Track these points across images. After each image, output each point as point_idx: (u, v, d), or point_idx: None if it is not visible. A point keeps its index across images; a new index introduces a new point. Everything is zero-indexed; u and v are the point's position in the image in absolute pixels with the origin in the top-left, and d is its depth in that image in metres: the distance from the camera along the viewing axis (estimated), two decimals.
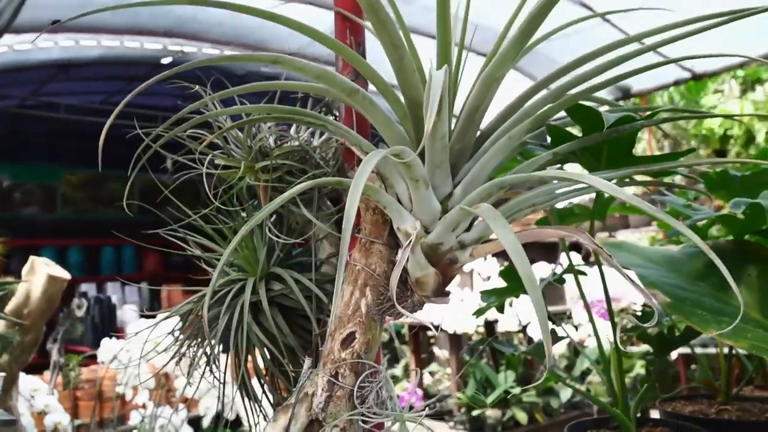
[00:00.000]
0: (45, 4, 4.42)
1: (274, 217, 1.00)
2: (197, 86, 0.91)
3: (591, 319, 1.21)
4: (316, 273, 0.95)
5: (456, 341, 3.37)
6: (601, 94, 0.87)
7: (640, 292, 0.73)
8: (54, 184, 8.34)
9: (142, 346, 1.03)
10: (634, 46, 0.74)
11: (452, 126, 0.81)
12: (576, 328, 3.14)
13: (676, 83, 7.02)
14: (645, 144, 6.64)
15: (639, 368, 3.21)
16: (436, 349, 4.33)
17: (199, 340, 1.00)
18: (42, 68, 5.97)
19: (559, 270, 1.29)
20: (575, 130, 0.85)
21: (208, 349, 0.97)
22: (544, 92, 0.78)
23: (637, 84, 6.42)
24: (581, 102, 0.77)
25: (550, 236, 0.76)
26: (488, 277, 3.31)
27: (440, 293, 0.84)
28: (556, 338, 1.07)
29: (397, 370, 4.09)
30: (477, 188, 0.76)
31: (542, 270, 3.30)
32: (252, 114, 0.86)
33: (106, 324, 6.34)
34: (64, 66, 5.81)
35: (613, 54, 0.77)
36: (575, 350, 3.04)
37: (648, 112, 0.80)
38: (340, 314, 0.87)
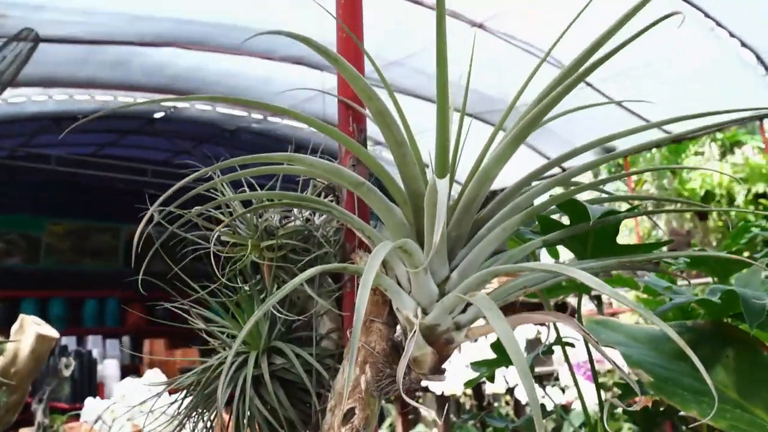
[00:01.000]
0: (42, 60, 4.52)
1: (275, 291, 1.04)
2: (206, 168, 0.96)
3: (577, 387, 1.25)
4: (316, 348, 0.99)
5: (443, 402, 3.38)
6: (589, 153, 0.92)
7: (623, 374, 0.78)
8: (38, 234, 8.31)
9: (128, 409, 1.06)
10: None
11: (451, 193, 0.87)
12: (563, 390, 3.16)
13: (658, 145, 7.21)
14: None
15: (626, 431, 3.22)
16: (422, 410, 4.32)
17: (200, 410, 1.03)
18: (35, 120, 6.04)
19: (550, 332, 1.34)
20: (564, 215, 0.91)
21: (209, 422, 1.01)
22: (535, 186, 0.84)
23: (620, 145, 6.57)
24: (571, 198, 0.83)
25: (539, 321, 0.81)
26: (476, 340, 3.35)
27: (437, 371, 0.88)
28: (545, 413, 1.11)
29: (383, 431, 4.07)
30: (473, 274, 0.81)
31: (528, 332, 3.33)
32: (262, 199, 0.91)
33: (86, 379, 6.24)
34: (57, 118, 5.88)
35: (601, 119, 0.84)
36: (563, 411, 3.07)
37: (634, 202, 0.87)
38: (340, 390, 0.91)
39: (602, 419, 1.11)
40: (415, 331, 0.73)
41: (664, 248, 0.95)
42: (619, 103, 5.73)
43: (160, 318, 1.13)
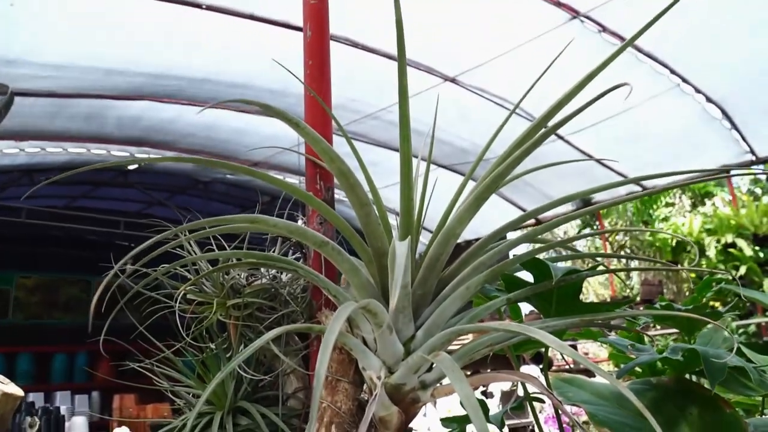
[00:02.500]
0: (15, 112, 4.50)
1: (242, 349, 1.04)
2: (172, 227, 0.96)
3: None
4: (282, 407, 0.98)
5: None
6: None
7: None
8: (7, 288, 8.14)
9: None
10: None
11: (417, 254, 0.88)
12: None
13: (629, 200, 7.33)
14: (602, 248, 6.83)
15: None
16: None
17: None
18: (5, 173, 5.99)
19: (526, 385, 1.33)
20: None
21: None
22: (516, 231, 0.85)
23: (594, 197, 6.69)
24: (535, 257, 0.85)
25: (504, 380, 0.81)
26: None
27: (403, 431, 0.88)
28: None
29: None
30: (437, 333, 0.81)
31: (503, 384, 3.32)
32: (229, 258, 0.91)
33: None
34: (28, 171, 5.83)
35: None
36: None
37: (592, 266, 0.88)
38: None
39: None
40: (377, 393, 0.73)
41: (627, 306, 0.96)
42: (598, 161, 5.84)
43: (129, 374, 1.11)
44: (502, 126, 0.97)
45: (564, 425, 3.48)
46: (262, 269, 1.05)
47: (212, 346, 1.04)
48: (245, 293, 0.99)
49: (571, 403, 1.00)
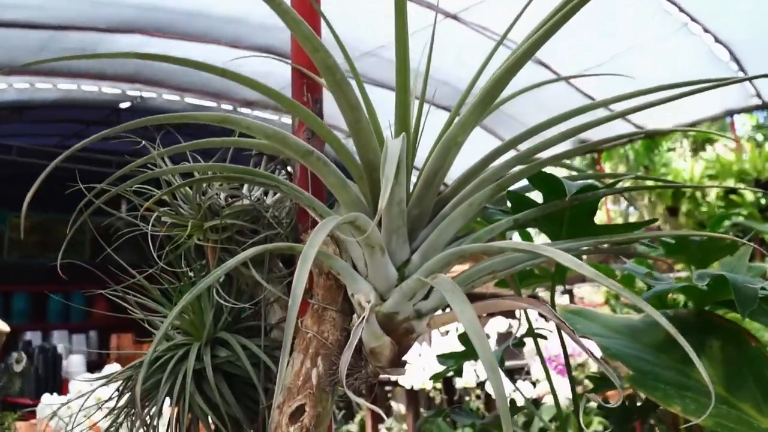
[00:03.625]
0: (1, 46, 4.35)
1: (222, 278, 0.95)
2: (144, 141, 0.87)
3: (549, 380, 1.18)
4: (265, 339, 0.90)
5: (413, 397, 3.30)
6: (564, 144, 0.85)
7: (603, 366, 0.70)
8: (1, 228, 8.06)
9: (82, 404, 0.97)
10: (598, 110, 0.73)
11: (411, 189, 0.79)
12: (534, 384, 3.10)
13: (630, 140, 7.22)
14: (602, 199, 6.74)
15: (597, 425, 3.17)
16: (393, 403, 4.24)
17: (139, 409, 0.94)
18: None
19: (521, 325, 1.26)
20: (537, 194, 0.83)
21: (147, 420, 0.91)
22: (506, 156, 0.76)
23: (593, 138, 6.57)
24: (543, 170, 0.76)
25: (509, 308, 0.73)
26: (447, 332, 3.27)
27: (396, 364, 0.80)
28: (515, 409, 1.03)
29: (353, 426, 3.98)
30: (435, 256, 0.72)
31: (499, 325, 3.26)
32: (203, 172, 0.82)
33: (50, 375, 6.07)
34: (18, 108, 5.69)
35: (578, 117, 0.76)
36: (534, 405, 2.99)
37: (609, 180, 0.79)
38: (289, 385, 0.82)
39: (577, 414, 1.03)
40: (365, 316, 0.65)
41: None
42: (567, 78, 5.69)
43: (126, 313, 1.04)
44: (490, 56, 0.87)
45: (560, 366, 3.45)
46: (245, 191, 0.96)
47: (189, 271, 0.95)
48: (224, 214, 0.90)
49: (580, 335, 0.92)
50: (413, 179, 0.78)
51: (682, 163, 7.45)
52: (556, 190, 0.75)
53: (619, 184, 0.82)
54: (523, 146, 0.79)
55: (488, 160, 0.77)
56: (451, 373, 1.36)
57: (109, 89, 5.63)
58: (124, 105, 5.90)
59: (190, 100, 6.08)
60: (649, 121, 6.77)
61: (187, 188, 0.92)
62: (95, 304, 8.16)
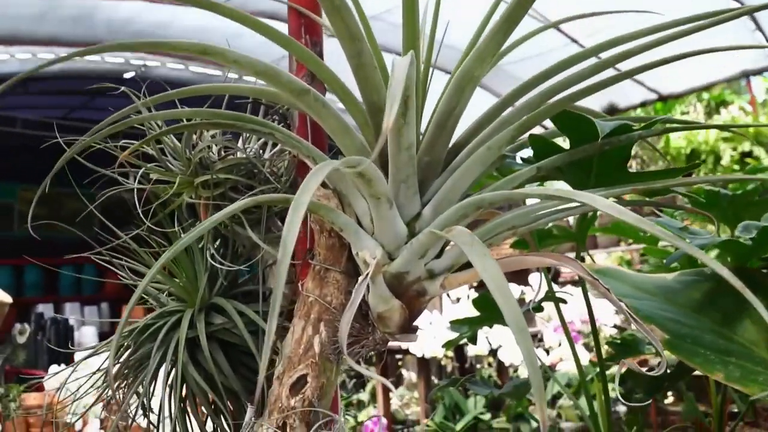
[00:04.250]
0: (1, 14, 4.26)
1: (219, 240, 0.88)
2: (123, 87, 0.79)
3: (572, 346, 1.11)
4: (263, 304, 0.82)
5: (424, 365, 3.24)
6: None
7: (642, 329, 0.63)
8: (10, 201, 8.02)
9: (90, 375, 0.91)
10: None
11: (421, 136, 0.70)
12: (547, 351, 3.03)
13: (643, 104, 7.05)
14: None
15: (612, 392, 3.11)
16: (404, 371, 4.19)
17: (131, 380, 0.87)
18: None
19: (534, 293, 1.18)
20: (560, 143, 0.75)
21: (139, 391, 0.84)
22: (526, 98, 0.67)
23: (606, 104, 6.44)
24: (572, 111, 0.67)
25: (534, 264, 0.65)
26: (458, 299, 3.20)
27: (406, 329, 0.72)
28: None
29: (364, 395, 3.94)
30: (449, 208, 0.64)
31: (513, 292, 3.19)
32: (190, 119, 0.74)
33: (62, 347, 6.07)
34: (22, 79, 5.58)
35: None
36: (546, 374, 2.93)
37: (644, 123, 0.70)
38: (290, 354, 0.75)
39: (604, 381, 0.96)
40: (368, 274, 0.57)
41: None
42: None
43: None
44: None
45: (573, 333, 3.38)
46: (241, 144, 0.88)
47: (179, 232, 0.87)
48: (216, 169, 0.82)
49: (601, 296, 0.84)
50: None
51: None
52: (585, 133, 0.66)
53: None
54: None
55: (506, 103, 0.69)
56: (463, 341, 1.29)
57: (112, 59, 5.52)
58: (128, 75, 5.80)
59: (195, 68, 5.97)
60: (661, 86, 6.61)
61: (176, 142, 0.85)
62: (107, 277, 8.14)
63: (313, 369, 0.72)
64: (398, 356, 3.90)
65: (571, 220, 1.04)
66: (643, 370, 0.61)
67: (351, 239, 0.69)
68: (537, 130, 0.78)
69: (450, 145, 0.72)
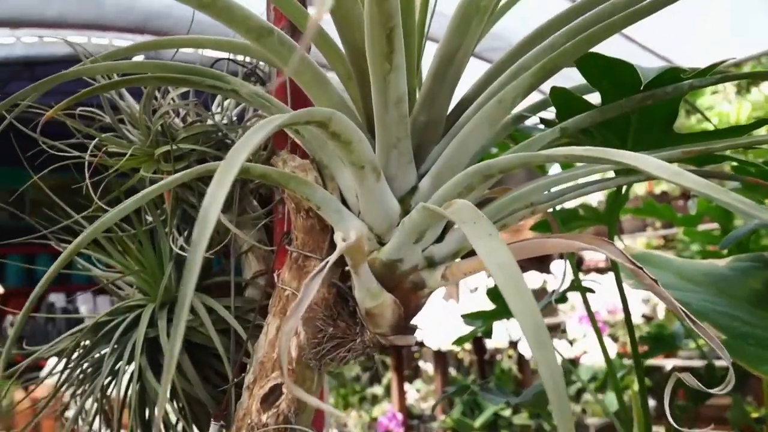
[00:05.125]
0: None
1: (185, 223, 0.75)
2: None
3: (601, 341, 0.98)
4: (237, 298, 0.70)
5: (441, 358, 3.10)
6: None
7: (698, 330, 0.49)
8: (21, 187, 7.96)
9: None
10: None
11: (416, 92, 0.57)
12: (571, 343, 2.88)
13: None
14: None
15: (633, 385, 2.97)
16: (421, 363, 4.06)
17: (86, 387, 0.75)
18: (4, 65, 5.65)
19: (556, 283, 1.05)
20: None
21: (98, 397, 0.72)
22: (549, 40, 0.53)
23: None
24: (604, 55, 0.53)
25: (558, 249, 0.51)
26: (476, 288, 3.05)
27: (402, 329, 0.59)
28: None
29: (379, 389, 3.80)
30: (452, 178, 0.51)
31: (532, 281, 3.04)
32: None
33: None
34: (28, 63, 5.49)
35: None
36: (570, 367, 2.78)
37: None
38: (262, 359, 0.62)
39: (640, 378, 0.83)
40: (327, 262, 0.44)
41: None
42: None
43: None
44: None
45: (598, 323, 3.23)
46: (217, 109, 0.75)
47: (145, 213, 0.75)
48: (179, 138, 0.69)
49: (645, 288, 0.70)
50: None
51: (726, 106, 7.06)
52: (622, 83, 0.53)
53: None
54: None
55: (525, 46, 0.55)
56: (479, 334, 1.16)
57: (120, 41, 5.41)
58: (137, 58, 5.68)
59: (206, 52, 5.85)
60: (688, 64, 6.37)
61: (135, 106, 0.72)
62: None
63: (290, 377, 0.60)
64: (414, 348, 3.77)
65: (594, 201, 0.90)
66: (695, 381, 0.48)
67: (331, 219, 0.56)
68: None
69: (454, 104, 0.58)
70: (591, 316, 0.99)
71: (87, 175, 0.69)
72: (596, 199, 3.25)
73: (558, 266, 3.48)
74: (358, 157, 0.49)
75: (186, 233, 0.73)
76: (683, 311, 0.47)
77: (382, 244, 0.56)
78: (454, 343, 1.06)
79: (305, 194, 0.54)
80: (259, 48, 0.51)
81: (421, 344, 3.14)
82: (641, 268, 0.46)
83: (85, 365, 0.72)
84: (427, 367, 3.83)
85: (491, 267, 0.33)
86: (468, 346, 3.08)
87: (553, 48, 0.50)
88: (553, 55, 0.46)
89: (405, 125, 0.51)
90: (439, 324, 2.79)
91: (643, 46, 5.37)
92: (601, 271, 4.51)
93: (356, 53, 0.53)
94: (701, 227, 1.04)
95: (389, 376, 3.60)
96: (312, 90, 0.54)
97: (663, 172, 0.36)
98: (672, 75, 0.51)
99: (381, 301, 0.56)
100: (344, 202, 0.59)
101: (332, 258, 0.40)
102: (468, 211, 0.41)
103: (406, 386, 3.42)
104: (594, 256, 4.80)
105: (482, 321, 1.02)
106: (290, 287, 0.62)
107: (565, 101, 0.56)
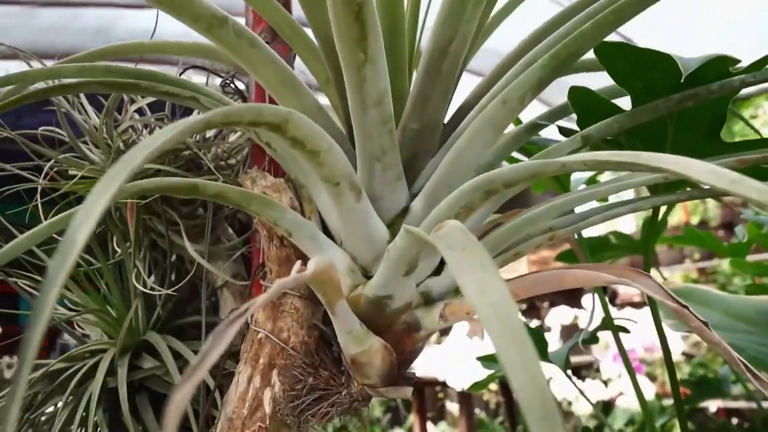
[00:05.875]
0: (20, 25, 4.20)
1: (149, 255, 0.66)
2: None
3: (635, 383, 0.87)
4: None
5: (466, 399, 2.95)
6: None
7: (758, 383, 0.39)
8: None
9: None
10: None
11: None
12: (605, 383, 2.73)
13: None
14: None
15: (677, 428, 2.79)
16: (447, 404, 3.91)
17: None
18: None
19: (587, 321, 0.94)
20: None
21: None
22: (564, 27, 0.44)
23: None
24: (636, 45, 0.44)
25: (583, 281, 0.41)
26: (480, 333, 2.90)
27: (395, 380, 0.49)
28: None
29: (401, 431, 3.64)
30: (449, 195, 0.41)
31: (563, 316, 2.90)
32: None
33: None
34: (43, 93, 5.53)
35: None
36: (604, 409, 2.62)
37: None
38: (231, 415, 0.52)
39: (683, 425, 0.72)
40: (269, 293, 0.34)
41: None
42: None
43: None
44: None
45: (634, 362, 3.07)
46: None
47: (111, 248, 0.66)
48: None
49: (687, 331, 0.60)
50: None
51: (766, 131, 6.87)
52: (656, 79, 0.43)
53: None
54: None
55: (539, 36, 0.46)
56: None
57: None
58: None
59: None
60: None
61: (94, 120, 0.64)
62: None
63: None
64: (437, 388, 3.62)
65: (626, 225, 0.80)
66: None
67: (306, 248, 0.47)
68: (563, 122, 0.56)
69: (453, 111, 0.49)
70: (624, 357, 0.88)
71: (38, 202, 0.60)
72: (629, 228, 3.11)
73: (589, 300, 3.33)
74: (330, 171, 0.40)
75: (157, 268, 0.64)
76: (740, 361, 0.36)
77: (368, 277, 0.46)
78: (470, 389, 0.96)
79: (272, 218, 0.45)
80: (210, 38, 0.42)
81: (444, 384, 3.00)
82: (686, 307, 0.36)
83: (39, 420, 0.63)
84: (453, 407, 3.68)
85: (480, 309, 0.24)
86: (494, 386, 2.94)
87: (568, 33, 0.40)
88: (568, 40, 0.37)
89: (390, 132, 0.42)
90: (463, 363, 2.65)
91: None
92: (636, 305, 4.32)
93: (330, 48, 0.44)
94: (750, 258, 0.92)
95: (412, 419, 3.46)
96: (280, 94, 0.45)
97: (718, 179, 0.26)
98: (718, 66, 0.41)
99: (368, 347, 0.46)
100: (325, 228, 0.50)
101: (265, 297, 0.31)
102: (456, 235, 0.31)
103: (431, 428, 3.26)
104: (629, 289, 4.62)
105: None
106: (263, 329, 0.52)
107: (587, 104, 0.46)
